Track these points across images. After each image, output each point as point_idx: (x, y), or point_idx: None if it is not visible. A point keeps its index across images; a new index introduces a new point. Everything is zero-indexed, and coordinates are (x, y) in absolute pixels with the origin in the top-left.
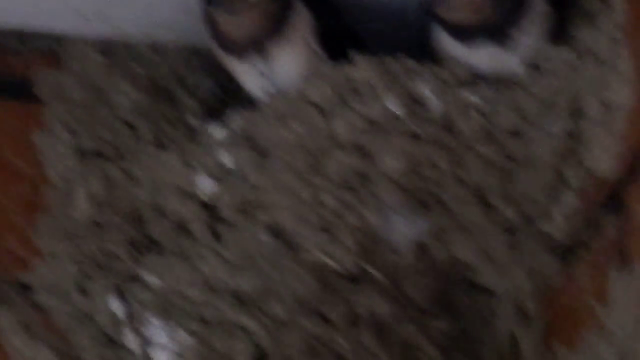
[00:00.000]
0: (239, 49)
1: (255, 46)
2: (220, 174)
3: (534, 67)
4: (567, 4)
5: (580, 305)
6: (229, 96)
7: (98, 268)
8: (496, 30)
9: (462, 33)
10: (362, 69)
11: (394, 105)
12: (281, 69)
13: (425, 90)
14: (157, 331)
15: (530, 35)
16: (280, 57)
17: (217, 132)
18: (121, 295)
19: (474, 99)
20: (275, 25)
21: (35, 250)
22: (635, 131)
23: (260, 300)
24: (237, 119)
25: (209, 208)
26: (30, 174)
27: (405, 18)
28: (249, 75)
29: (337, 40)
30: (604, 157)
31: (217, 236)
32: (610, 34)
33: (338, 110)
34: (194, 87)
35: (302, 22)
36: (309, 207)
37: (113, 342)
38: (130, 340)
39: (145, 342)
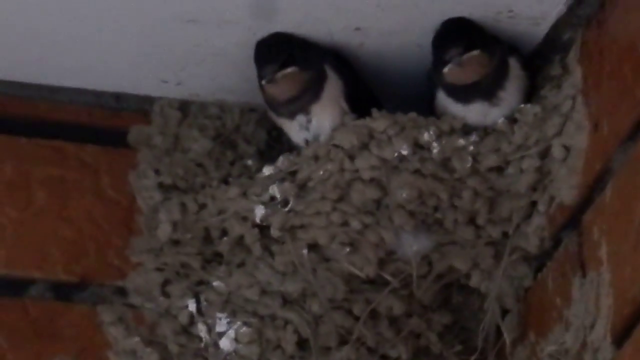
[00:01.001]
0: (286, 110)
1: (299, 108)
2: (270, 203)
3: (512, 119)
4: (536, 70)
5: (549, 304)
6: (277, 143)
7: (177, 275)
8: (485, 90)
9: (460, 94)
10: (379, 121)
11: (403, 149)
12: (318, 123)
13: (428, 137)
14: (222, 324)
15: (510, 95)
16: (317, 114)
17: (268, 170)
18: (195, 296)
19: (465, 143)
20: (314, 90)
21: (130, 262)
22: (589, 167)
23: (302, 299)
24: (284, 161)
25: (262, 229)
26: (126, 204)
27: (414, 83)
28: (293, 129)
29: (361, 99)
30: (566, 188)
31: (268, 251)
32: (569, 92)
33: (360, 153)
34: (250, 136)
35: (334, 87)
36: (338, 227)
37: (189, 333)
38: (202, 331)
39: (213, 332)
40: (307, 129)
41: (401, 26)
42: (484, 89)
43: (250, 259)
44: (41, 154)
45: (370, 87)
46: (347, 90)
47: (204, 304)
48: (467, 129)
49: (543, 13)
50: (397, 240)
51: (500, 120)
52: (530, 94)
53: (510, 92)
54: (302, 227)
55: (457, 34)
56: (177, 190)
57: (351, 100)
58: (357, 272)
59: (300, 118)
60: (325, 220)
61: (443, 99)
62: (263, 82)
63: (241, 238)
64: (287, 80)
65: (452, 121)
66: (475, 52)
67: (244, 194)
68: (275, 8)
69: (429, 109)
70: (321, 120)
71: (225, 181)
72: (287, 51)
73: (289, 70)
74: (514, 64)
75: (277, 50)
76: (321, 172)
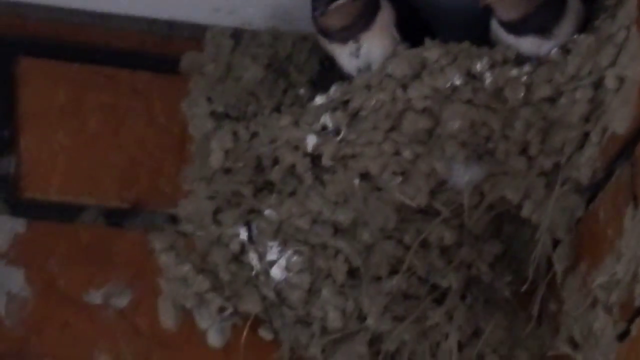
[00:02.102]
0: (338, 38)
1: (350, 36)
2: (322, 132)
3: (565, 50)
4: (592, 0)
5: (601, 234)
6: (329, 72)
7: (228, 204)
8: (539, 27)
9: (512, 27)
10: (432, 51)
11: (455, 78)
12: (370, 52)
13: (480, 67)
14: (274, 253)
15: (565, 29)
16: (369, 43)
17: (320, 99)
18: (246, 224)
19: (518, 73)
20: (365, 19)
21: (182, 190)
22: None
23: (353, 228)
24: (336, 90)
25: (313, 158)
26: (178, 131)
27: (470, 12)
28: (345, 57)
29: (414, 29)
30: (619, 119)
31: (319, 180)
32: (623, 23)
33: (412, 82)
34: (303, 65)
35: (386, 16)
36: (390, 157)
37: (240, 261)
38: (253, 258)
39: (264, 260)
40: (357, 56)
41: None
42: (538, 24)
43: (302, 188)
44: (93, 80)
45: (425, 16)
46: (400, 19)
47: (255, 232)
48: (520, 59)
49: None
50: (448, 170)
51: (554, 51)
52: (585, 24)
53: (566, 28)
54: (353, 156)
55: None
56: (229, 118)
57: (404, 29)
58: (408, 201)
59: (351, 45)
60: (377, 150)
61: (497, 29)
62: (316, 13)
63: (293, 167)
64: (339, 11)
65: (505, 51)
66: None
67: (296, 123)
68: None
69: (483, 38)
70: (371, 48)
71: (277, 110)
72: None
73: (341, 1)
74: None
75: None
76: (373, 102)
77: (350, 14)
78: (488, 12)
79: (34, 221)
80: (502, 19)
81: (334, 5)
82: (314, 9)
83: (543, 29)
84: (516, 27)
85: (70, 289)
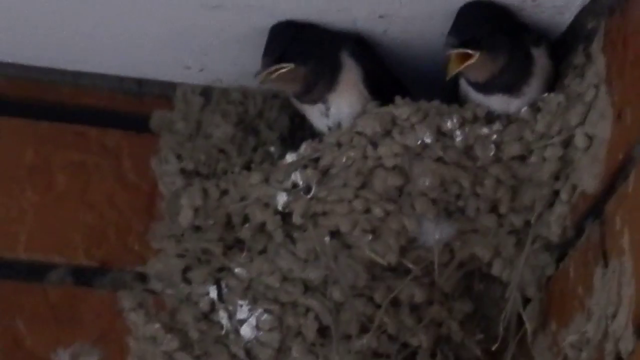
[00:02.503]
0: (305, 100)
1: (317, 97)
2: (292, 190)
3: (535, 108)
4: (560, 59)
5: (571, 293)
6: (300, 129)
7: (198, 262)
8: (507, 86)
9: (480, 87)
10: (402, 108)
11: (426, 136)
12: (339, 111)
13: (451, 125)
14: (243, 311)
15: (534, 87)
16: (337, 103)
17: (290, 157)
18: (216, 282)
19: (488, 132)
20: (328, 81)
21: (151, 248)
22: (612, 156)
23: (323, 287)
24: (306, 147)
25: (284, 216)
26: (148, 189)
27: (437, 69)
28: (315, 116)
29: (384, 85)
30: (588, 177)
31: (290, 237)
32: (592, 81)
33: (383, 140)
34: (273, 122)
35: (351, 75)
36: (360, 214)
37: (209, 320)
38: (222, 317)
39: (234, 319)
40: (327, 116)
41: (424, 13)
42: (506, 83)
43: (272, 245)
44: (63, 138)
45: (394, 73)
46: (367, 77)
47: (225, 290)
48: (490, 117)
49: (567, 2)
50: (419, 228)
51: (524, 109)
52: (554, 82)
53: (534, 86)
54: (324, 214)
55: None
56: (199, 176)
57: (373, 86)
58: (378, 259)
59: (320, 106)
60: (348, 207)
61: (466, 88)
62: (256, 79)
63: (263, 225)
64: (280, 78)
65: (475, 109)
66: (284, 69)
67: (266, 181)
68: None
69: (452, 96)
70: (340, 108)
71: (247, 167)
72: (284, 46)
73: (282, 69)
74: (540, 55)
75: (274, 44)
76: (344, 159)
77: (295, 78)
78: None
79: (1, 280)
80: (470, 80)
81: (275, 75)
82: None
83: (511, 88)
84: (484, 87)
85: (37, 348)
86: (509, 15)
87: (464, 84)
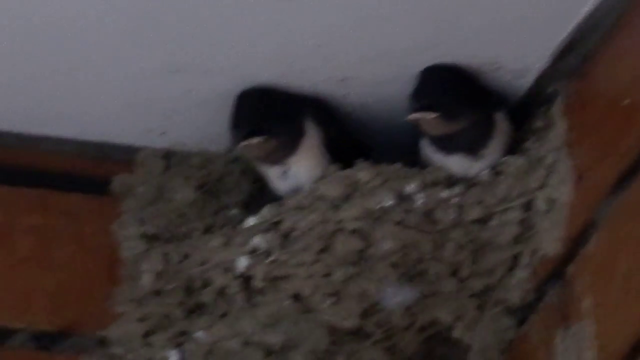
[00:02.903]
0: (266, 161)
1: (277, 160)
2: (253, 253)
3: (496, 171)
4: (522, 123)
5: (533, 356)
6: (261, 193)
7: (159, 326)
8: (467, 146)
9: (441, 144)
10: (364, 172)
11: (387, 200)
12: (298, 174)
13: (412, 189)
14: None
15: (494, 149)
16: (297, 166)
17: (251, 221)
18: (177, 347)
19: (449, 195)
20: (289, 146)
21: (112, 312)
22: (573, 220)
23: (284, 350)
24: (267, 211)
25: (245, 279)
26: (109, 254)
27: (398, 133)
28: (275, 179)
29: (345, 149)
30: (549, 240)
31: (251, 301)
32: (553, 145)
33: (344, 203)
34: (234, 186)
35: (312, 140)
36: (322, 278)
37: None
38: None
39: None
40: (285, 178)
41: (385, 77)
42: (466, 143)
43: (233, 309)
44: (24, 203)
45: (356, 135)
46: (329, 141)
47: (186, 354)
48: (451, 181)
49: (527, 65)
50: (380, 292)
51: (485, 172)
52: (515, 145)
53: (494, 149)
54: (285, 277)
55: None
56: (160, 240)
57: (334, 150)
58: (339, 323)
59: (279, 168)
60: (308, 271)
61: (426, 148)
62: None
63: (224, 288)
64: (252, 149)
65: (436, 172)
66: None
67: (227, 244)
68: (260, 58)
69: (413, 160)
70: (299, 171)
71: (208, 231)
72: (254, 118)
73: (255, 141)
74: (500, 119)
75: (246, 117)
76: (305, 223)
77: (266, 148)
78: (417, 132)
79: None
80: (430, 134)
81: (242, 144)
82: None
83: (471, 149)
84: (444, 144)
85: None
86: (469, 79)
87: (424, 147)
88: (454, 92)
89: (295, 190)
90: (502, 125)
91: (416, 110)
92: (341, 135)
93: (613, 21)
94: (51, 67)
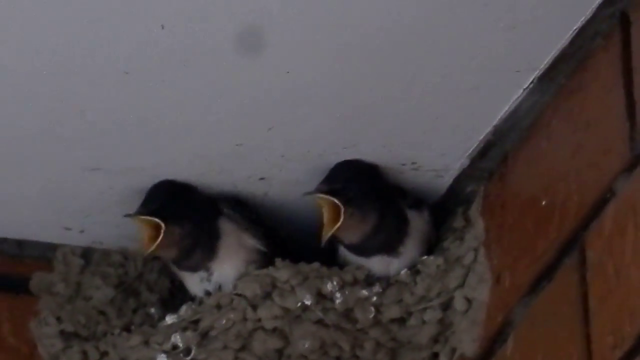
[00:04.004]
0: (185, 267)
1: (198, 266)
2: (172, 352)
3: (415, 270)
4: (441, 223)
5: None
6: (180, 291)
7: None
8: (383, 246)
9: (357, 249)
10: (282, 271)
11: (306, 299)
12: (222, 276)
13: (331, 288)
14: None
15: (410, 247)
16: (220, 269)
17: (170, 319)
18: None
19: (368, 294)
20: (207, 248)
21: None
22: (491, 320)
23: None
24: (186, 309)
25: None
26: (27, 352)
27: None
28: (194, 283)
29: (266, 245)
30: (467, 340)
31: None
32: (471, 245)
33: (263, 302)
34: (153, 284)
35: (232, 242)
36: None
37: None
38: None
39: None
40: (208, 281)
41: (305, 176)
42: (381, 244)
43: None
44: None
45: (275, 233)
46: (246, 228)
47: None
48: (370, 280)
49: (446, 166)
50: None
51: (403, 272)
52: (433, 246)
53: (411, 247)
54: None
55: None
56: (79, 338)
57: (256, 235)
58: None
59: (201, 274)
60: None
61: (344, 251)
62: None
63: None
64: (158, 251)
65: (355, 272)
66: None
67: (146, 343)
68: (179, 157)
69: (333, 258)
70: (223, 274)
71: (127, 329)
72: (158, 203)
73: (149, 219)
74: (415, 217)
75: (149, 200)
76: (224, 321)
77: (172, 245)
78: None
79: None
80: (345, 243)
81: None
82: None
83: (387, 248)
84: (360, 249)
85: None
86: (381, 177)
87: (341, 248)
88: (364, 185)
89: (216, 290)
90: (416, 223)
91: (319, 190)
92: (260, 234)
93: (531, 122)
94: None
